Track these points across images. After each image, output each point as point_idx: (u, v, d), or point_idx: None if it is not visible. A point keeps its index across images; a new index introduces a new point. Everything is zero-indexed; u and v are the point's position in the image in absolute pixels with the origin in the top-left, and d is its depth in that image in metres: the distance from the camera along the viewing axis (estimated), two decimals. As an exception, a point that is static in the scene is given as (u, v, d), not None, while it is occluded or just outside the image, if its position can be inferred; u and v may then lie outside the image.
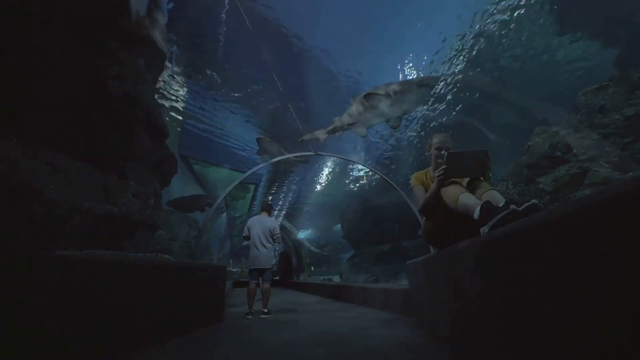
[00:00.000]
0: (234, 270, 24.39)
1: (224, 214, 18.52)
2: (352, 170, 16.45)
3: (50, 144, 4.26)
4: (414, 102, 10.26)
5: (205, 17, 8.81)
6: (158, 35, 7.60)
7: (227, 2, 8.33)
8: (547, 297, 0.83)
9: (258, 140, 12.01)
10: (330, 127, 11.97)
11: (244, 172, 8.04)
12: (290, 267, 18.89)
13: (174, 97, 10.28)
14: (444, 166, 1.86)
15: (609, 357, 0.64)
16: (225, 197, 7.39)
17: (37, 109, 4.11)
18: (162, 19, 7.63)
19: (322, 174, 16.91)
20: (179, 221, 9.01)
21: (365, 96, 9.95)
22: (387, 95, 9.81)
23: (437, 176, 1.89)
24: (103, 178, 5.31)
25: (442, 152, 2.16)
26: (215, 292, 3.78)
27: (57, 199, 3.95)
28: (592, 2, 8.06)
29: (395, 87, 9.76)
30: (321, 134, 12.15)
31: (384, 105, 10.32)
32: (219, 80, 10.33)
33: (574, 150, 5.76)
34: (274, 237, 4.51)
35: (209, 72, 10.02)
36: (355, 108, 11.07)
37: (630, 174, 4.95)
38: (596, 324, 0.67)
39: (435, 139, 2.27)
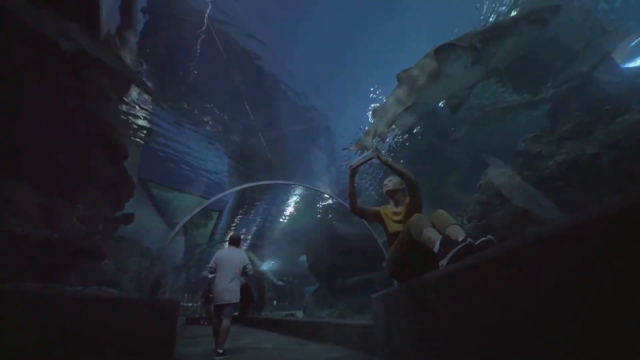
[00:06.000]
0: (188, 305, 22.30)
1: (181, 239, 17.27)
2: (320, 200, 16.53)
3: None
4: (513, 50, 6.90)
5: (178, 41, 8.86)
6: (127, 55, 7.45)
7: (201, 30, 8.51)
8: (492, 330, 0.88)
9: None
10: (370, 132, 9.49)
11: (208, 199, 7.71)
12: (250, 301, 17.77)
13: (138, 117, 9.87)
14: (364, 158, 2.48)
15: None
16: (185, 224, 6.95)
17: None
18: (133, 39, 7.55)
19: (289, 203, 16.77)
20: (130, 249, 8.21)
21: (436, 51, 6.78)
22: (471, 47, 6.58)
23: (350, 166, 2.50)
24: (44, 199, 4.78)
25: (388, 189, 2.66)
26: (162, 331, 3.41)
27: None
28: (531, 63, 9.40)
29: (484, 34, 6.65)
30: (366, 141, 9.88)
31: (461, 64, 6.92)
32: (187, 104, 10.18)
33: (518, 191, 6.42)
34: (246, 269, 4.27)
35: (177, 94, 9.87)
36: (406, 84, 8.00)
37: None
38: (539, 346, 0.73)
39: (385, 182, 2.67)
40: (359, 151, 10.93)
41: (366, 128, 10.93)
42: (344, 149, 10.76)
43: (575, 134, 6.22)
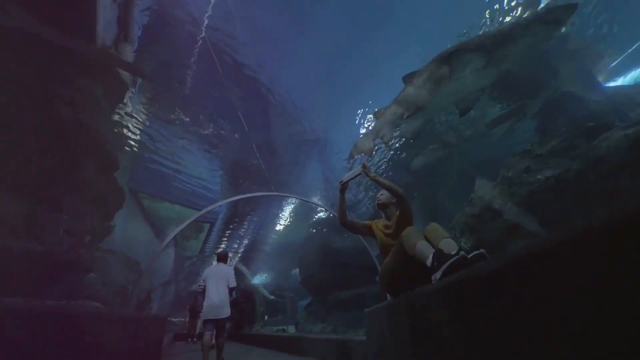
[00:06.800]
0: (176, 320, 21.57)
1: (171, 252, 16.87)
2: (313, 212, 16.45)
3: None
4: (526, 52, 6.69)
5: (174, 52, 8.92)
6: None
7: (197, 43, 8.61)
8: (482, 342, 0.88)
9: None
10: (370, 135, 9.26)
11: (200, 210, 7.61)
12: (241, 316, 17.31)
13: (131, 127, 9.81)
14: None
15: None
16: (175, 235, 6.83)
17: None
18: (129, 51, 7.58)
19: (282, 215, 16.63)
20: (117, 262, 7.95)
21: (448, 54, 6.58)
22: (481, 47, 6.42)
23: (340, 182, 2.62)
24: (29, 210, 4.65)
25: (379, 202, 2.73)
26: (148, 347, 3.28)
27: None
28: (518, 80, 9.71)
29: (497, 35, 6.44)
30: (366, 144, 9.56)
31: (472, 68, 6.71)
32: (181, 114, 10.17)
33: (508, 205, 6.52)
34: (229, 285, 4.38)
35: (171, 105, 9.88)
36: (413, 87, 7.78)
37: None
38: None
39: (377, 195, 2.69)
40: (357, 156, 10.97)
41: (362, 132, 10.83)
42: (350, 160, 10.53)
43: (562, 150, 6.39)
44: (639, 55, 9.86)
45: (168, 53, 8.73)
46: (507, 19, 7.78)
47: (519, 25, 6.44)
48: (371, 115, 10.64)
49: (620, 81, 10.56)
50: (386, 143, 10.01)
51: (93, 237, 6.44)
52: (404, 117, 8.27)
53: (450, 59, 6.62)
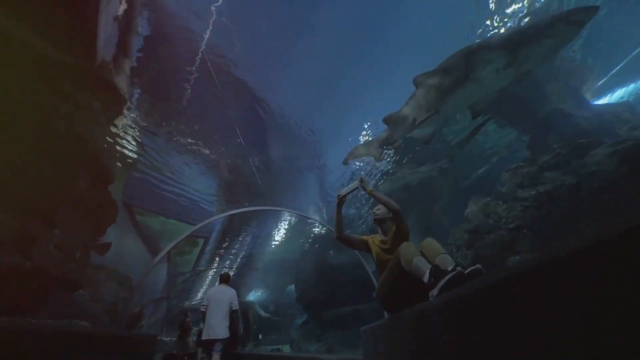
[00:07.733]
0: (166, 339, 20.77)
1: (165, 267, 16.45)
2: (309, 228, 16.31)
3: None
4: (548, 52, 6.53)
5: (172, 68, 9.06)
6: (121, 82, 7.55)
7: (196, 57, 8.76)
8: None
9: None
10: (382, 137, 9.00)
11: (194, 225, 7.53)
12: (235, 334, 16.76)
13: (126, 141, 9.80)
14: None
15: None
16: (169, 250, 6.71)
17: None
18: (128, 66, 7.69)
19: (278, 231, 16.46)
20: (108, 279, 7.75)
21: (468, 55, 6.26)
22: (502, 46, 6.17)
23: (338, 195, 2.60)
24: (20, 224, 4.55)
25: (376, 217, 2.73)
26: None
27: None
28: (511, 100, 9.92)
29: (521, 34, 6.21)
30: (372, 149, 9.20)
31: (492, 68, 6.43)
32: (177, 129, 10.22)
33: (504, 220, 6.55)
34: (232, 307, 4.45)
35: (168, 120, 9.93)
36: (426, 88, 7.36)
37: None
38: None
39: (374, 210, 2.71)
40: (361, 159, 10.80)
41: (362, 140, 10.78)
42: (346, 160, 10.34)
43: (554, 166, 6.50)
44: (624, 74, 10.25)
45: (166, 68, 8.87)
46: (502, 30, 7.90)
47: (543, 26, 6.25)
48: (368, 124, 10.72)
49: (607, 99, 10.90)
50: (396, 149, 9.74)
51: (84, 252, 6.29)
52: (416, 122, 7.85)
53: (470, 58, 6.29)
